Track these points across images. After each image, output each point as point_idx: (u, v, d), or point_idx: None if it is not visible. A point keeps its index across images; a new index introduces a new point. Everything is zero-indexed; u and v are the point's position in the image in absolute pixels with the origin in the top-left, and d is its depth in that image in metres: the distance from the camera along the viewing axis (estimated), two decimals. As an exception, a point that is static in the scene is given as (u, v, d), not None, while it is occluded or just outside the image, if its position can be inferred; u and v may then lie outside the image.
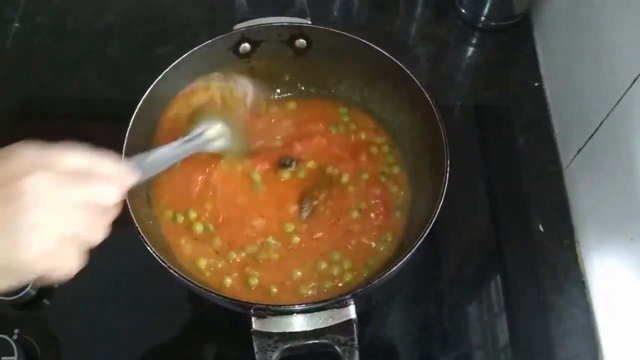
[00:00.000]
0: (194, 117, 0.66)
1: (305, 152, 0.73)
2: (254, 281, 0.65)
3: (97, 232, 0.45)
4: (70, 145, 0.45)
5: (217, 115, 0.66)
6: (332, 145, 0.74)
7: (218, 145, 0.65)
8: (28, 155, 0.42)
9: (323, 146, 0.74)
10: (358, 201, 0.71)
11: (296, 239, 0.68)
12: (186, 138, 0.62)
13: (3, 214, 0.40)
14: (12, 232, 0.40)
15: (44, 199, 0.41)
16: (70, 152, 0.45)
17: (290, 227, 0.69)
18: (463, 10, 0.94)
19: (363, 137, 0.75)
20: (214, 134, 0.64)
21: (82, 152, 0.45)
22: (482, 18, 0.92)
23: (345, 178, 0.72)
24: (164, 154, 0.57)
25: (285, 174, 0.72)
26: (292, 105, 0.78)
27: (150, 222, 0.67)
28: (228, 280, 0.66)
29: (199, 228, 0.68)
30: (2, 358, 0.64)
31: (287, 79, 0.78)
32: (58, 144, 0.45)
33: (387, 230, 0.69)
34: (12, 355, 0.64)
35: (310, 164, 0.73)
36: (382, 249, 0.68)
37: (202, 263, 0.67)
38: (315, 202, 0.70)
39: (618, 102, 0.68)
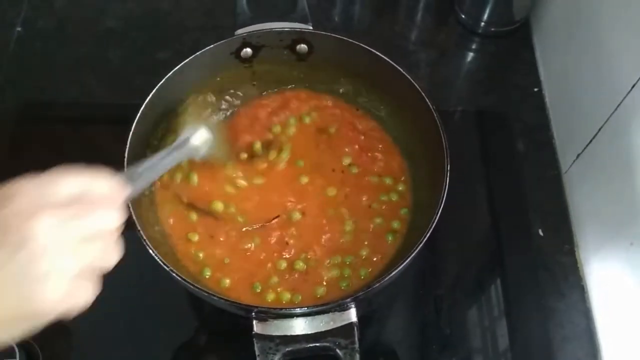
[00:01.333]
0: (177, 126, 0.67)
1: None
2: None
3: (109, 257, 0.45)
4: (63, 171, 0.44)
5: (198, 121, 0.67)
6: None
7: (204, 151, 0.66)
8: (26, 192, 0.41)
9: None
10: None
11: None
12: (173, 145, 0.62)
13: (12, 264, 0.39)
14: (24, 283, 0.39)
15: (51, 243, 0.40)
16: (65, 180, 0.43)
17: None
18: (463, 16, 0.94)
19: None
20: (199, 139, 0.64)
21: (75, 176, 0.44)
22: (482, 24, 0.93)
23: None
24: (154, 164, 0.57)
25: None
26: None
27: (156, 228, 0.67)
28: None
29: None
30: (4, 360, 0.64)
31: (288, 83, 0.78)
32: (51, 171, 0.44)
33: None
34: (14, 357, 0.64)
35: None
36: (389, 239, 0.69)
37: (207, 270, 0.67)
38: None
39: (617, 107, 0.68)
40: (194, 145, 0.64)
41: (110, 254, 0.45)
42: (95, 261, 0.43)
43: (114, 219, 0.45)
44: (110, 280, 0.71)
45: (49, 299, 0.39)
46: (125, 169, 0.58)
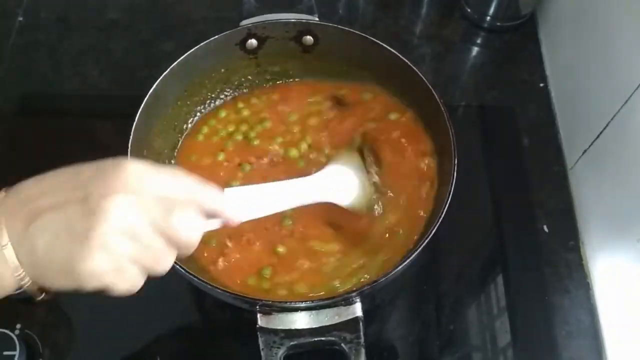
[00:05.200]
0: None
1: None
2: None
3: (163, 264, 0.45)
4: (176, 173, 0.46)
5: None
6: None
7: (345, 198, 0.59)
8: (131, 173, 0.43)
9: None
10: None
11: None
12: (311, 177, 0.56)
13: (77, 222, 0.41)
14: (77, 242, 0.41)
15: (118, 224, 0.41)
16: (173, 179, 0.45)
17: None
18: (469, 10, 0.94)
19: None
20: (346, 181, 0.58)
21: (186, 180, 0.45)
22: (488, 18, 0.92)
23: None
24: (270, 195, 0.52)
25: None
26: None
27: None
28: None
29: None
30: (5, 353, 0.63)
31: (293, 74, 0.78)
32: (166, 167, 0.46)
33: None
34: (14, 350, 0.63)
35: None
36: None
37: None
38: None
39: (625, 103, 0.68)
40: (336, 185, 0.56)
41: (165, 261, 0.45)
42: (149, 260, 0.44)
43: (193, 232, 0.45)
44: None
45: (90, 266, 0.41)
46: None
